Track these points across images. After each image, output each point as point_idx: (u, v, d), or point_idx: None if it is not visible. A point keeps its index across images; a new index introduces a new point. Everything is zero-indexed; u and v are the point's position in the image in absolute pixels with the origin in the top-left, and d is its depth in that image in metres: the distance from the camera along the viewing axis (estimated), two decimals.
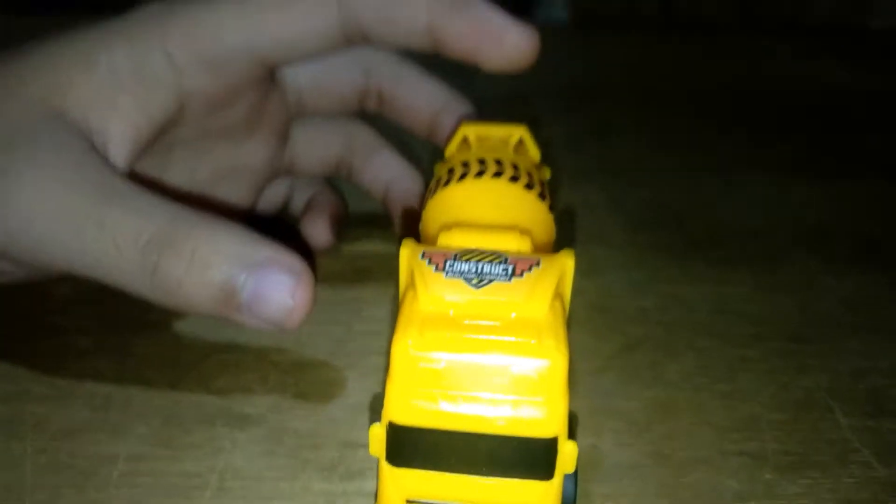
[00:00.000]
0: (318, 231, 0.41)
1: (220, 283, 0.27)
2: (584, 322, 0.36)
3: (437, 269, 0.22)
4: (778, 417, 0.30)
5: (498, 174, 0.28)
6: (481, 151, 0.30)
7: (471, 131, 0.31)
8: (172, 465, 0.27)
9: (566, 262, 0.23)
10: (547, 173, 0.31)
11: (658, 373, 0.33)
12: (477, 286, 0.21)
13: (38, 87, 0.30)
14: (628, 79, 0.79)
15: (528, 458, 0.20)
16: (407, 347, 0.20)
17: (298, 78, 0.38)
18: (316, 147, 0.41)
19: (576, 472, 0.22)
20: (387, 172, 0.41)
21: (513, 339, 0.20)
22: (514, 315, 0.21)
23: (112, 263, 0.28)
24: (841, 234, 0.46)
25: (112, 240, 0.28)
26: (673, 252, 0.43)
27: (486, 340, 0.20)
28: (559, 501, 0.21)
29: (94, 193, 0.28)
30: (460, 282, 0.21)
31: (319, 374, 0.32)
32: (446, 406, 0.20)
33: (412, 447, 0.20)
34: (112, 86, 0.31)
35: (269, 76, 0.36)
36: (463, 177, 0.28)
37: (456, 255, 0.22)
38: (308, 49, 0.33)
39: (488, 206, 0.27)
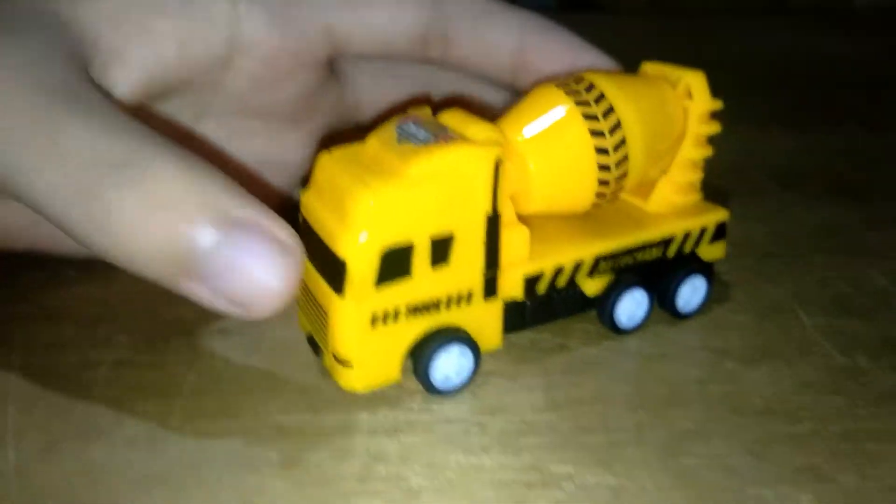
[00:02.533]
0: None
1: (181, 237, 0.21)
2: None
3: (402, 124, 0.27)
4: (744, 319, 0.31)
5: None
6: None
7: (651, 69, 0.32)
8: (153, 371, 0.28)
9: (474, 154, 0.25)
10: (714, 127, 0.31)
11: None
12: (398, 142, 0.26)
13: None
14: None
15: (333, 270, 0.25)
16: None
17: (359, 79, 0.34)
18: (384, 87, 0.34)
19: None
20: (512, 36, 0.31)
21: (365, 178, 0.24)
22: (386, 165, 0.25)
23: (51, 184, 0.21)
24: (815, 174, 0.47)
25: (60, 154, 0.21)
26: None
27: (354, 174, 0.25)
28: (353, 320, 0.25)
29: (57, 100, 0.22)
30: (394, 135, 0.26)
31: None
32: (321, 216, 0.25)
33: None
34: (149, 4, 0.26)
35: (329, 65, 0.31)
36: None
37: (421, 123, 0.27)
38: (386, 42, 0.29)
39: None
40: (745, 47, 0.79)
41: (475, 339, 0.27)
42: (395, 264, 0.25)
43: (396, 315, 0.25)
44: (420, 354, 0.26)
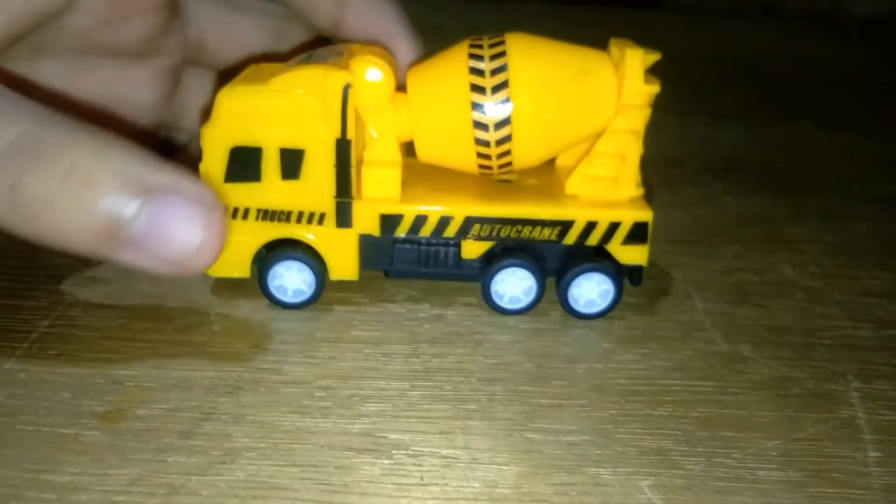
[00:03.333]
0: None
1: (105, 211, 0.21)
2: None
3: (317, 49, 0.30)
4: (636, 301, 0.30)
5: None
6: None
7: (614, 45, 0.28)
8: (6, 314, 0.27)
9: (324, 76, 0.26)
10: (639, 118, 0.28)
11: None
12: (298, 63, 0.28)
13: None
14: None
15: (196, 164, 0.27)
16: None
17: (201, 18, 0.34)
18: (234, 34, 0.34)
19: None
20: (373, 26, 0.32)
21: (236, 84, 0.27)
22: (262, 78, 0.27)
23: None
24: (753, 165, 0.46)
25: None
26: None
27: (237, 81, 0.27)
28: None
29: None
30: (302, 57, 0.28)
31: None
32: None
33: None
34: None
35: (172, 4, 0.31)
36: None
37: (330, 52, 0.29)
38: None
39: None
40: (727, 45, 0.77)
41: (325, 262, 0.28)
42: (243, 164, 0.27)
43: (246, 214, 0.28)
44: (262, 260, 0.28)
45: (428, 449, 0.22)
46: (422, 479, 0.21)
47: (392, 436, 0.23)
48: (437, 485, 0.21)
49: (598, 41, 0.29)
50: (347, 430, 0.23)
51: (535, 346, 0.27)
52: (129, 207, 0.21)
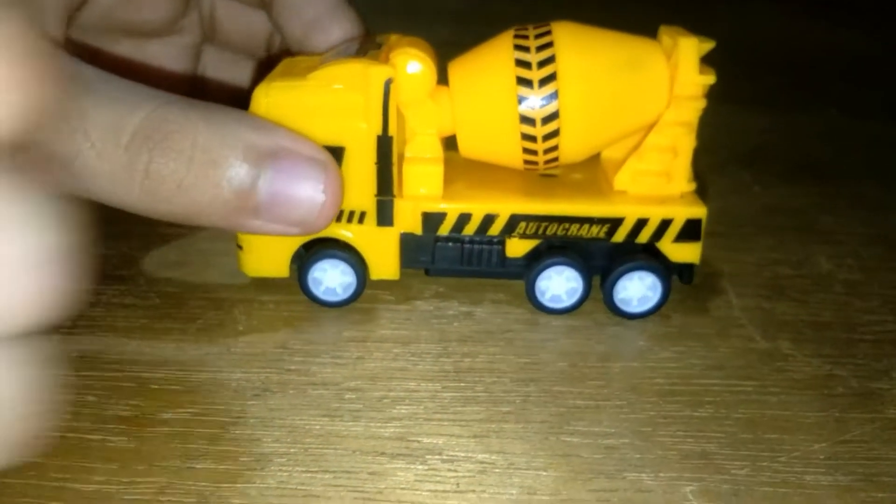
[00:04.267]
0: None
1: (232, 184, 0.22)
2: None
3: (349, 42, 0.30)
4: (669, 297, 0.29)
5: None
6: None
7: (665, 33, 0.27)
8: None
9: (364, 71, 0.25)
10: (694, 109, 0.27)
11: None
12: (333, 57, 0.27)
13: None
14: None
15: None
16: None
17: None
18: (241, 11, 0.34)
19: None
20: (309, 11, 0.32)
21: (274, 79, 0.26)
22: (299, 72, 0.26)
23: (90, 169, 0.22)
24: (781, 154, 0.45)
25: (85, 137, 0.22)
26: None
27: (273, 76, 0.26)
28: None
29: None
30: (335, 52, 0.28)
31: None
32: None
33: None
34: None
35: None
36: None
37: (363, 44, 0.28)
38: None
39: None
40: (746, 28, 0.76)
41: (365, 261, 0.28)
42: None
43: None
44: (301, 259, 0.27)
45: (463, 453, 0.21)
46: (458, 485, 0.20)
47: (425, 440, 0.22)
48: (473, 491, 0.20)
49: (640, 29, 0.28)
50: (379, 434, 0.22)
51: (568, 345, 0.26)
52: (246, 176, 0.22)
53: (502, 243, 0.28)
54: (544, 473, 0.21)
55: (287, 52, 0.32)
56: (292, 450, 0.21)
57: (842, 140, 0.47)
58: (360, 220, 0.27)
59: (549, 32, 0.26)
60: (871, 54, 0.70)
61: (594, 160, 0.29)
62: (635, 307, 0.28)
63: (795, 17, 0.82)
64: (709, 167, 0.42)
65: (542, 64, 0.26)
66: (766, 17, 0.83)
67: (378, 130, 0.26)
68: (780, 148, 0.46)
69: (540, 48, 0.26)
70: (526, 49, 0.26)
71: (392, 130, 0.26)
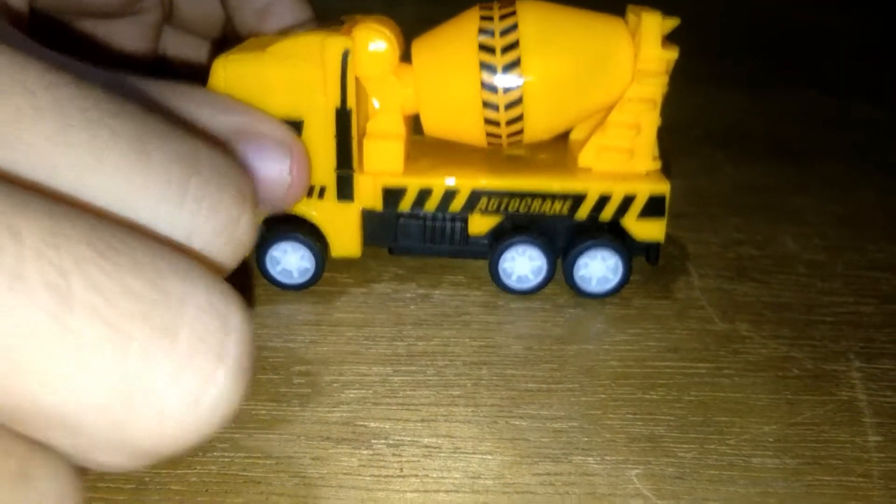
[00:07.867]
0: None
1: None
2: None
3: (313, 23, 0.29)
4: (630, 278, 0.29)
5: None
6: None
7: (631, 12, 0.27)
8: None
9: (320, 42, 0.25)
10: (656, 85, 0.27)
11: None
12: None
13: None
14: None
15: None
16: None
17: None
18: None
19: None
20: None
21: (232, 52, 0.25)
22: (258, 46, 0.26)
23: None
24: (756, 134, 0.44)
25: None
26: None
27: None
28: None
29: None
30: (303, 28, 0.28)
31: None
32: None
33: None
34: None
35: None
36: None
37: (333, 21, 0.27)
38: None
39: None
40: (727, 9, 0.75)
41: (327, 242, 0.27)
42: None
43: None
44: (261, 235, 0.27)
45: (409, 438, 0.21)
46: (401, 470, 0.20)
47: (372, 424, 0.22)
48: (416, 476, 0.20)
49: (610, 8, 0.28)
50: (326, 419, 0.22)
51: (524, 327, 0.26)
52: None
53: (465, 220, 0.28)
54: (489, 457, 0.21)
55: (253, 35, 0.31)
56: (236, 435, 0.21)
57: (820, 120, 0.47)
58: (321, 195, 0.27)
59: (513, 12, 0.26)
60: (854, 33, 0.69)
61: (562, 141, 0.29)
62: (594, 287, 0.27)
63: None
64: (682, 147, 0.41)
65: (505, 50, 0.25)
66: None
67: (337, 103, 0.26)
68: (758, 128, 0.46)
69: (504, 32, 0.26)
70: (490, 33, 0.26)
71: (351, 104, 0.26)
